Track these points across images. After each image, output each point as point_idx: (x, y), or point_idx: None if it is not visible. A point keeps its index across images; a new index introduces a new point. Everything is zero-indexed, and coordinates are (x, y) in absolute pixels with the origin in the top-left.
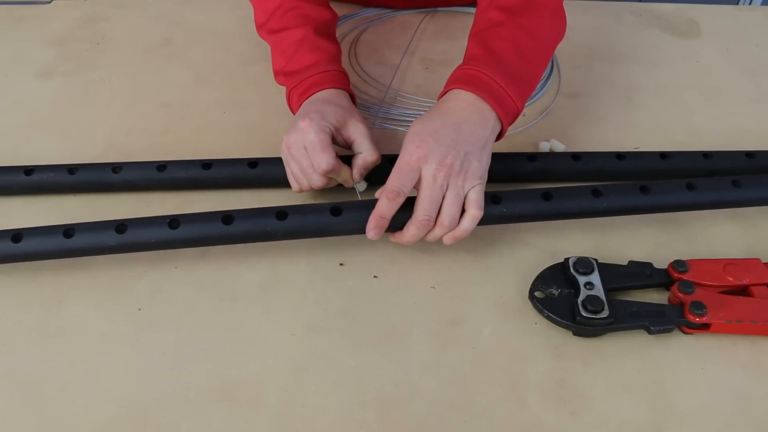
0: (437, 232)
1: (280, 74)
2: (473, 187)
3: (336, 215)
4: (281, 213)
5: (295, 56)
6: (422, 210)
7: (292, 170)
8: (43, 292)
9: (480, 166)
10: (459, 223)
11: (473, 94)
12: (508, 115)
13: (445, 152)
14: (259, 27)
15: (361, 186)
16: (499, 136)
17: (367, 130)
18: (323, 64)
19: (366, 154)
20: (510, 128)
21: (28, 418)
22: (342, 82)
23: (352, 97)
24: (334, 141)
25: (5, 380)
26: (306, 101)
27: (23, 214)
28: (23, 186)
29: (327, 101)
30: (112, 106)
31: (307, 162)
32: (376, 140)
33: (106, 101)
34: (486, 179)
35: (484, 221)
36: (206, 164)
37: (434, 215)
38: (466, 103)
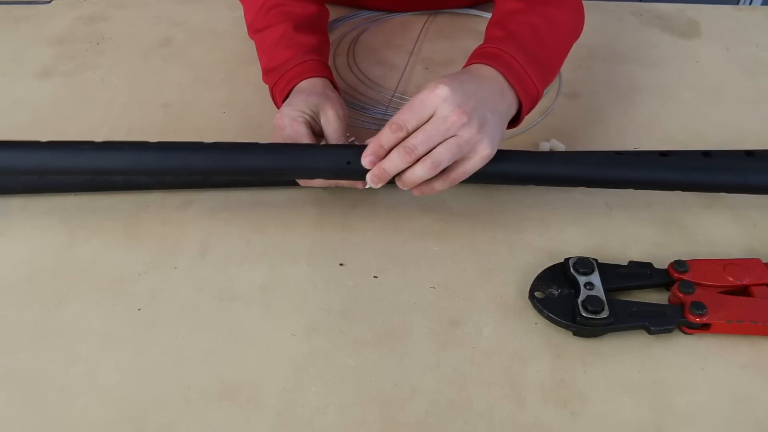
0: (417, 170)
1: (264, 72)
2: (478, 157)
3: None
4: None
5: (275, 53)
6: (413, 138)
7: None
8: (43, 292)
9: (497, 137)
10: (435, 179)
11: (494, 69)
12: (527, 96)
13: (466, 100)
14: (248, 27)
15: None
16: (516, 122)
17: (338, 119)
18: (300, 56)
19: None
20: (510, 130)
21: (28, 418)
22: (319, 70)
23: (334, 84)
24: (312, 130)
25: (5, 380)
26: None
27: (23, 214)
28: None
29: (299, 91)
30: (112, 106)
31: None
32: (346, 129)
33: (106, 101)
34: (488, 158)
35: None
36: None
37: (422, 150)
38: (486, 76)
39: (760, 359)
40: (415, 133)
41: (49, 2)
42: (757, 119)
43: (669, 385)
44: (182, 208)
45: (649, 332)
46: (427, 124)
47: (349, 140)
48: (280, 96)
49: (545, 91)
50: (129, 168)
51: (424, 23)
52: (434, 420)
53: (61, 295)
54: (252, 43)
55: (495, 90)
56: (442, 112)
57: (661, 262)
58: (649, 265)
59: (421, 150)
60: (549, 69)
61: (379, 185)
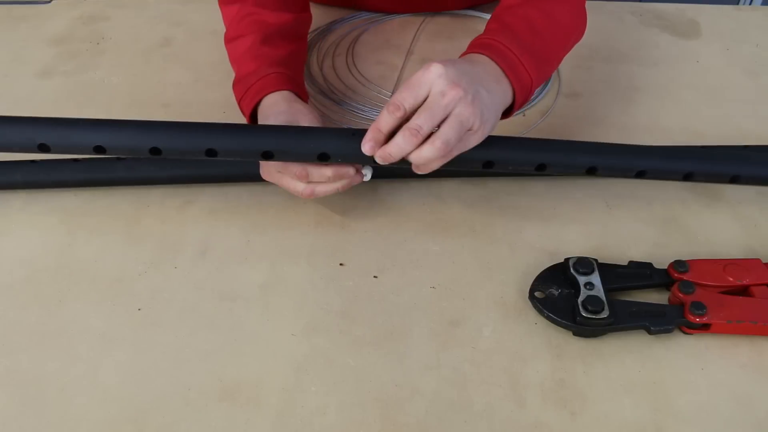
0: (425, 151)
1: (233, 84)
2: (473, 131)
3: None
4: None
5: (242, 65)
6: (417, 119)
7: (296, 191)
8: (43, 292)
9: (492, 116)
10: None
11: (489, 57)
12: (520, 84)
13: (460, 77)
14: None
15: (367, 176)
16: (510, 112)
17: (316, 123)
18: (263, 69)
19: None
20: (511, 132)
21: (28, 418)
22: (281, 83)
23: (301, 94)
24: None
25: (5, 380)
26: (260, 114)
27: (23, 214)
28: (27, 179)
29: (265, 116)
30: (112, 106)
31: (290, 181)
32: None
33: (106, 101)
34: (486, 135)
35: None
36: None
37: (427, 130)
38: (480, 62)
39: (760, 359)
40: (417, 113)
41: (49, 2)
42: (757, 119)
43: (669, 385)
44: (182, 207)
45: (649, 332)
46: (426, 102)
47: None
48: (246, 109)
49: (545, 92)
50: (133, 146)
51: (421, 23)
52: (434, 420)
53: (61, 295)
54: None
55: (489, 73)
56: (437, 87)
57: (661, 262)
58: (649, 265)
59: (426, 129)
60: (544, 60)
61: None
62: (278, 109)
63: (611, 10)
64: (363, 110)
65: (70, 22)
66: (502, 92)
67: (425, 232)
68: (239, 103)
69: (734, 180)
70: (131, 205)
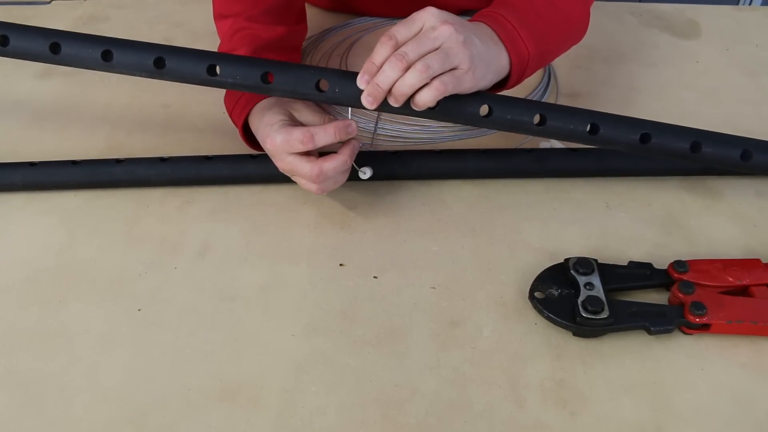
0: (408, 78)
1: (225, 97)
2: (463, 70)
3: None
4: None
5: None
6: (405, 47)
7: (308, 175)
8: (43, 292)
9: (482, 66)
10: (421, 88)
11: (488, 26)
12: (517, 54)
13: (455, 20)
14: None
15: (366, 174)
16: (508, 83)
17: (312, 106)
18: None
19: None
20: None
21: (28, 418)
22: None
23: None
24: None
25: (5, 380)
26: (252, 124)
27: (23, 214)
28: (26, 181)
29: (260, 112)
30: (112, 106)
31: (298, 162)
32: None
33: (105, 101)
34: (479, 83)
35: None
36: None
37: (413, 57)
38: (480, 26)
39: (760, 359)
40: (407, 43)
41: (49, 3)
42: (757, 119)
43: (669, 386)
44: (182, 208)
45: (649, 332)
46: (417, 35)
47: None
48: (238, 120)
49: (546, 93)
50: (139, 55)
51: None
52: (434, 420)
53: (61, 295)
54: None
55: (486, 33)
56: (429, 23)
57: (661, 262)
58: (648, 265)
59: (412, 56)
60: (543, 39)
61: (374, 106)
62: (270, 105)
63: (611, 10)
64: (355, 119)
65: (71, 22)
66: (497, 51)
67: (425, 232)
68: (230, 116)
69: (745, 156)
70: (131, 205)
